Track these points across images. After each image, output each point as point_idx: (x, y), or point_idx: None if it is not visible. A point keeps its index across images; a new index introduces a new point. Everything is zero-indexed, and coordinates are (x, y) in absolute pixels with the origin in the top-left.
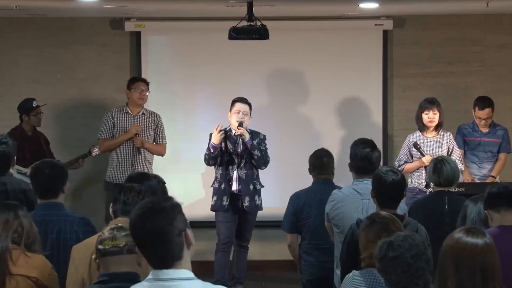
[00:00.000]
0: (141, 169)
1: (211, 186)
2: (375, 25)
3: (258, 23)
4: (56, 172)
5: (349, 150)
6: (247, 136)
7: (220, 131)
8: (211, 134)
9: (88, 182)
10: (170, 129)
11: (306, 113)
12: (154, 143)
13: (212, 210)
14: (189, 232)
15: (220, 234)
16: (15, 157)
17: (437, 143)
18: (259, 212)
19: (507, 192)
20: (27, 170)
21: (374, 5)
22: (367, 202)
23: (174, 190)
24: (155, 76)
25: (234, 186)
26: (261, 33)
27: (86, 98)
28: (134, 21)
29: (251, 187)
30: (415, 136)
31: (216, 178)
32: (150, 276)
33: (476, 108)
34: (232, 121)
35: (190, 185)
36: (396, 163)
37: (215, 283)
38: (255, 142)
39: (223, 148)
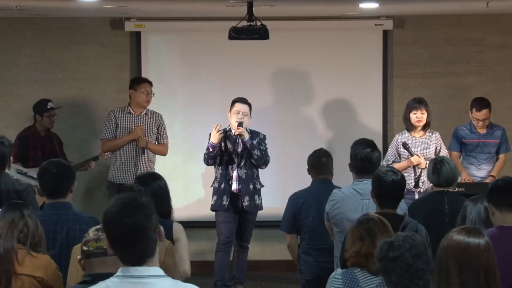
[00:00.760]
0: (144, 169)
1: (211, 186)
2: (375, 25)
3: (258, 23)
4: (64, 172)
5: (349, 150)
6: (246, 136)
7: (219, 130)
8: (210, 134)
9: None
10: (170, 128)
11: (306, 113)
12: (156, 143)
13: (212, 210)
14: (161, 228)
15: (220, 234)
16: (11, 157)
17: (425, 143)
18: (259, 212)
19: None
20: (27, 170)
21: (374, 5)
22: (367, 202)
23: (174, 190)
24: (155, 76)
25: (234, 186)
26: (261, 33)
27: (86, 98)
28: (134, 21)
29: (251, 186)
30: (403, 136)
31: (216, 178)
32: (119, 273)
33: (474, 109)
34: (232, 121)
35: (190, 185)
36: (384, 163)
37: (215, 283)
38: (255, 142)
39: (223, 148)
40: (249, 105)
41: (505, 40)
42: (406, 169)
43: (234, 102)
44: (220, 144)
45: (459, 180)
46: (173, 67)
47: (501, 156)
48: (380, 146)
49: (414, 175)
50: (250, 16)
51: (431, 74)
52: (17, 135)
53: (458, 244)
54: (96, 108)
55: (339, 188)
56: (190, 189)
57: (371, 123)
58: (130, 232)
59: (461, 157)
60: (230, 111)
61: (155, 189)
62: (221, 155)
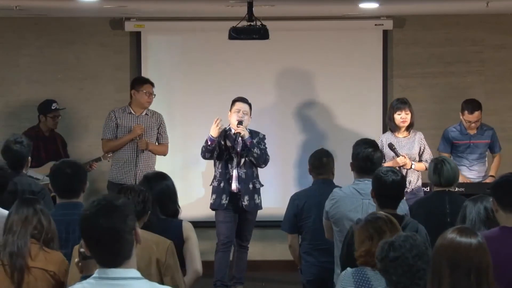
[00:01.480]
0: (144, 170)
1: (210, 185)
2: (375, 25)
3: (258, 23)
4: (77, 172)
5: (349, 150)
6: (246, 134)
7: (218, 124)
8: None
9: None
10: (170, 128)
11: (306, 113)
12: (157, 143)
13: (211, 208)
14: (138, 229)
15: (220, 234)
16: (30, 157)
17: (409, 143)
18: (259, 212)
19: None
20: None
21: (374, 5)
22: (367, 202)
23: None
24: (155, 76)
25: (234, 185)
26: (261, 33)
27: (86, 98)
28: (134, 21)
29: (251, 186)
30: (387, 137)
31: (215, 176)
32: (95, 275)
33: (466, 112)
34: (232, 120)
35: (190, 185)
36: None
37: (215, 283)
38: (254, 141)
39: (223, 147)
40: (249, 104)
41: (505, 40)
42: None
43: (234, 101)
44: (220, 142)
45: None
46: (173, 67)
47: (496, 155)
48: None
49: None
50: (250, 16)
51: (431, 74)
52: (21, 134)
53: (449, 244)
54: (96, 108)
55: (340, 187)
56: (190, 189)
57: (371, 123)
58: (105, 234)
59: (451, 158)
60: (230, 110)
61: (163, 188)
62: (221, 154)
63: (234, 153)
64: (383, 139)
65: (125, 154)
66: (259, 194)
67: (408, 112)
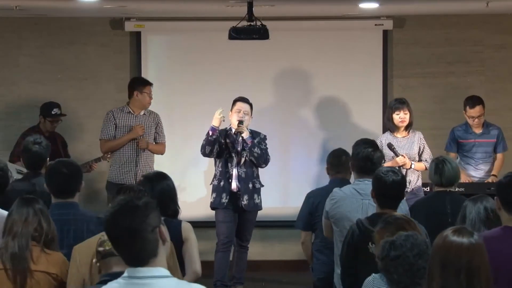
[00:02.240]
0: (144, 169)
1: (210, 184)
2: (375, 25)
3: (258, 23)
4: (73, 172)
5: (349, 150)
6: (246, 134)
7: (220, 113)
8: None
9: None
10: (170, 128)
11: (306, 113)
12: (154, 143)
13: (211, 207)
14: (164, 228)
15: (220, 234)
16: (48, 158)
17: (409, 143)
18: (259, 212)
19: None
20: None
21: (374, 5)
22: (367, 203)
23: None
24: (155, 76)
25: (234, 185)
26: (261, 33)
27: (86, 98)
28: (134, 21)
29: (250, 185)
30: (387, 137)
31: (215, 175)
32: (125, 274)
33: (467, 107)
34: (233, 120)
35: (190, 184)
36: None
37: (215, 283)
38: (255, 141)
39: (223, 146)
40: (250, 104)
41: (505, 40)
42: None
43: (235, 101)
44: (220, 141)
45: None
46: (173, 67)
47: (499, 155)
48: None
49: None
50: (250, 16)
51: (431, 74)
52: (21, 134)
53: (442, 244)
54: (96, 108)
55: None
56: (190, 188)
57: (371, 123)
58: (125, 234)
59: (458, 158)
60: (231, 110)
61: (164, 188)
62: (221, 152)
63: (234, 152)
64: (383, 140)
65: (125, 154)
66: (259, 194)
67: (407, 111)
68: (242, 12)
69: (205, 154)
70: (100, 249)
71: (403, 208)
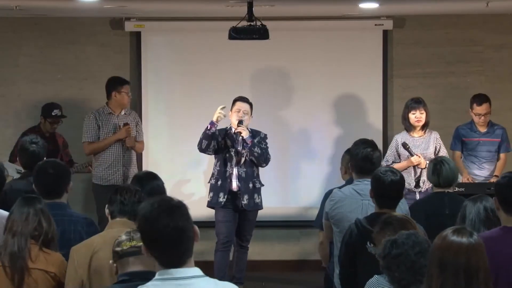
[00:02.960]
0: (131, 169)
1: (208, 182)
2: (375, 25)
3: (258, 23)
4: (60, 172)
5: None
6: (246, 134)
7: (222, 110)
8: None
9: None
10: (170, 128)
11: (306, 113)
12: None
13: (208, 206)
14: (196, 227)
15: (219, 233)
16: (45, 158)
17: (425, 143)
18: (259, 212)
19: None
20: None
21: (374, 5)
22: (366, 203)
23: (174, 189)
24: (155, 76)
25: (234, 184)
26: (261, 33)
27: (86, 98)
28: (134, 21)
29: (251, 185)
30: (402, 136)
31: (213, 174)
32: (158, 276)
33: (474, 104)
34: (233, 120)
35: (190, 185)
36: (384, 164)
37: None
38: (255, 141)
39: (222, 145)
40: (250, 104)
41: (505, 40)
42: (406, 169)
43: (235, 100)
44: (219, 141)
45: (460, 180)
46: (173, 67)
47: (502, 155)
48: (380, 146)
49: (415, 175)
50: (250, 16)
51: (431, 74)
52: (22, 133)
53: (442, 243)
54: (96, 108)
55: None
56: (190, 189)
57: (371, 123)
58: (172, 233)
59: (462, 156)
60: (231, 109)
61: (154, 188)
62: (219, 151)
63: (234, 152)
64: (398, 139)
65: (112, 154)
66: (259, 194)
67: (423, 111)
68: (242, 12)
69: (201, 149)
70: (118, 249)
71: (402, 208)
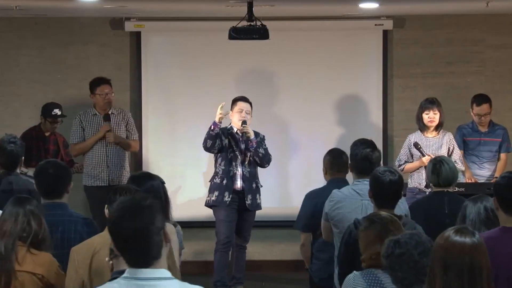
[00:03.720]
0: (118, 170)
1: (209, 181)
2: (375, 25)
3: (258, 23)
4: (61, 172)
5: (349, 151)
6: (252, 134)
7: (221, 108)
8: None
9: None
10: (170, 129)
11: (306, 113)
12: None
13: (212, 205)
14: (166, 229)
15: (220, 233)
16: (23, 157)
17: (438, 143)
18: (259, 212)
19: None
20: (27, 170)
21: (374, 5)
22: (366, 203)
23: (174, 190)
24: (155, 76)
25: (239, 183)
26: (261, 33)
27: (86, 98)
28: (134, 21)
29: (254, 185)
30: (416, 136)
31: (217, 173)
32: (126, 274)
33: (474, 105)
34: (234, 120)
35: (190, 185)
36: (396, 163)
37: (215, 283)
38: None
39: (226, 145)
40: (250, 103)
41: (505, 40)
42: (418, 169)
43: (236, 100)
44: (223, 140)
45: (463, 180)
46: (173, 67)
47: (502, 155)
48: (380, 146)
49: (426, 176)
50: (250, 16)
51: (431, 74)
52: (22, 133)
53: (444, 243)
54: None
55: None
56: (190, 189)
57: (371, 123)
58: (132, 235)
59: (464, 156)
60: (231, 109)
61: (149, 188)
62: (223, 150)
63: (238, 152)
64: (411, 138)
65: (94, 156)
66: (260, 194)
67: (437, 112)
68: (242, 12)
69: (206, 148)
70: (113, 247)
71: (402, 208)
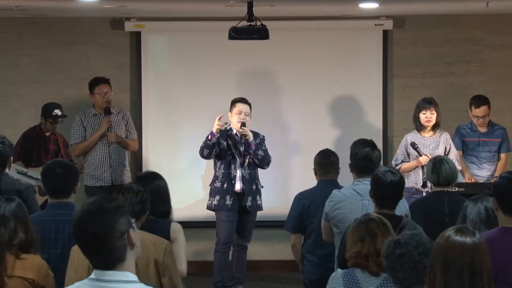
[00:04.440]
0: (120, 170)
1: (209, 185)
2: (375, 25)
3: (258, 23)
4: (68, 172)
5: (349, 151)
6: (251, 136)
7: (220, 120)
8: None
9: None
10: (170, 129)
11: (306, 113)
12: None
13: (214, 209)
14: (132, 233)
15: (220, 234)
16: (12, 157)
17: (434, 143)
18: (259, 212)
19: None
20: (27, 170)
21: (374, 5)
22: (366, 203)
23: (174, 190)
24: (155, 76)
25: (238, 185)
26: (261, 33)
27: (86, 98)
28: (134, 21)
29: (254, 187)
30: (412, 136)
31: (217, 177)
32: (92, 276)
33: (472, 106)
34: (233, 121)
35: (190, 185)
36: (393, 163)
37: (215, 283)
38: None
39: (225, 147)
40: (249, 104)
41: (505, 40)
42: (414, 168)
43: (235, 102)
44: (221, 143)
45: (463, 180)
46: (173, 67)
47: (502, 155)
48: (380, 146)
49: (423, 175)
50: (250, 16)
51: (431, 74)
52: (22, 133)
53: (444, 243)
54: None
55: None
56: (190, 189)
57: (371, 123)
58: (91, 239)
59: (463, 156)
60: (230, 111)
61: (154, 188)
62: (222, 154)
63: (237, 154)
64: (408, 138)
65: (97, 155)
66: (260, 195)
67: (434, 111)
68: (242, 12)
69: (203, 156)
70: None
71: (403, 208)
